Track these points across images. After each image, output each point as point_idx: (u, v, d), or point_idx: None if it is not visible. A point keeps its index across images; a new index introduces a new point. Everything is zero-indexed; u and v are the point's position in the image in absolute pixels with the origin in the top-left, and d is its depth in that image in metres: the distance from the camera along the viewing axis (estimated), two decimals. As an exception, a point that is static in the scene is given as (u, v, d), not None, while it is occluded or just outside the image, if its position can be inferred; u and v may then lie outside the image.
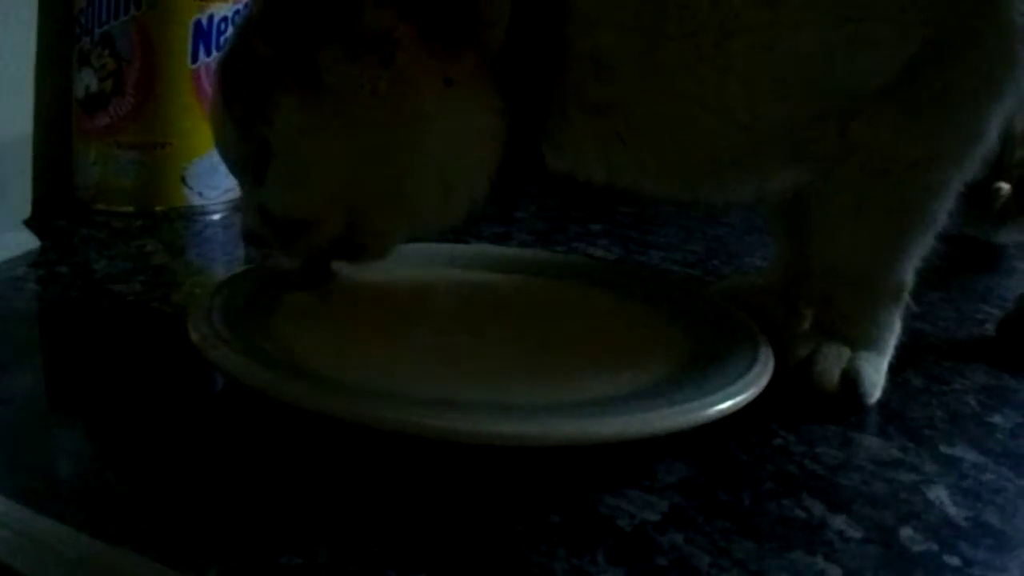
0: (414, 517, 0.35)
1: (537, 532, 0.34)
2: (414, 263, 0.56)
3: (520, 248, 0.70)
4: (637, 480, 0.38)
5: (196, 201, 0.74)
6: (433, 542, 0.33)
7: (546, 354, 0.47)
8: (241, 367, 0.40)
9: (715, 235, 0.78)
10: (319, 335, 0.47)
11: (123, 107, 0.72)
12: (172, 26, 0.71)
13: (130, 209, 0.73)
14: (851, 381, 0.46)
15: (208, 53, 0.73)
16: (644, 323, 0.52)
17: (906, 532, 0.36)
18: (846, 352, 0.47)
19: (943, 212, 0.46)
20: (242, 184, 0.49)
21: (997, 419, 0.46)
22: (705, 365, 0.44)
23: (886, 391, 0.47)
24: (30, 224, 0.64)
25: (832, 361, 0.46)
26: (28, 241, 0.63)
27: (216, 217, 0.75)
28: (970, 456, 0.42)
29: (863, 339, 0.47)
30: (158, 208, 0.73)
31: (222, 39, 0.73)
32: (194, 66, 0.72)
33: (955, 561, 0.34)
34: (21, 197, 0.63)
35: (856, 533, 0.35)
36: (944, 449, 0.43)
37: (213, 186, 0.75)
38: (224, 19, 0.73)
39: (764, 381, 0.42)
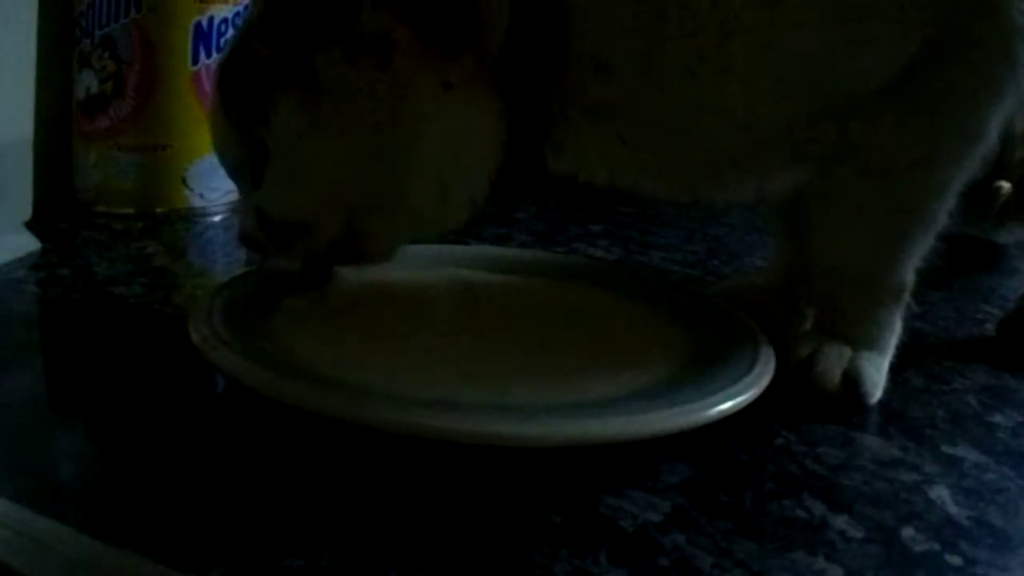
0: (415, 518, 0.35)
1: (539, 533, 0.34)
2: (414, 264, 0.56)
3: (520, 249, 0.70)
4: (639, 481, 0.38)
5: (197, 203, 0.74)
6: (435, 543, 0.33)
7: (547, 355, 0.47)
8: (242, 368, 0.40)
9: (715, 235, 0.79)
10: (320, 336, 0.47)
11: (123, 109, 0.72)
12: (172, 28, 0.71)
13: (131, 211, 0.73)
14: (852, 381, 0.46)
15: (208, 55, 0.73)
16: (645, 323, 0.52)
17: (908, 532, 0.36)
18: (847, 352, 0.47)
19: (943, 212, 0.46)
20: (240, 187, 0.49)
21: (998, 419, 0.46)
22: (706, 365, 0.44)
23: (887, 391, 0.47)
24: (31, 226, 0.64)
25: (833, 361, 0.46)
26: (29, 243, 0.63)
27: (217, 219, 0.75)
28: (971, 456, 0.42)
29: (864, 339, 0.47)
30: (159, 210, 0.73)
31: (222, 41, 0.73)
32: (194, 68, 0.72)
33: (957, 561, 0.34)
34: (22, 199, 0.63)
35: (857, 533, 0.35)
36: (945, 449, 0.43)
37: (214, 188, 0.75)
38: (224, 21, 0.73)
39: (765, 381, 0.42)
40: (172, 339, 0.47)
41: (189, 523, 0.33)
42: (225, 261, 0.69)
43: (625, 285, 0.57)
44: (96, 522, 0.33)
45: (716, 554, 0.33)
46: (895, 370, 0.48)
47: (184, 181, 0.74)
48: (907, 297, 0.48)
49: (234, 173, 0.49)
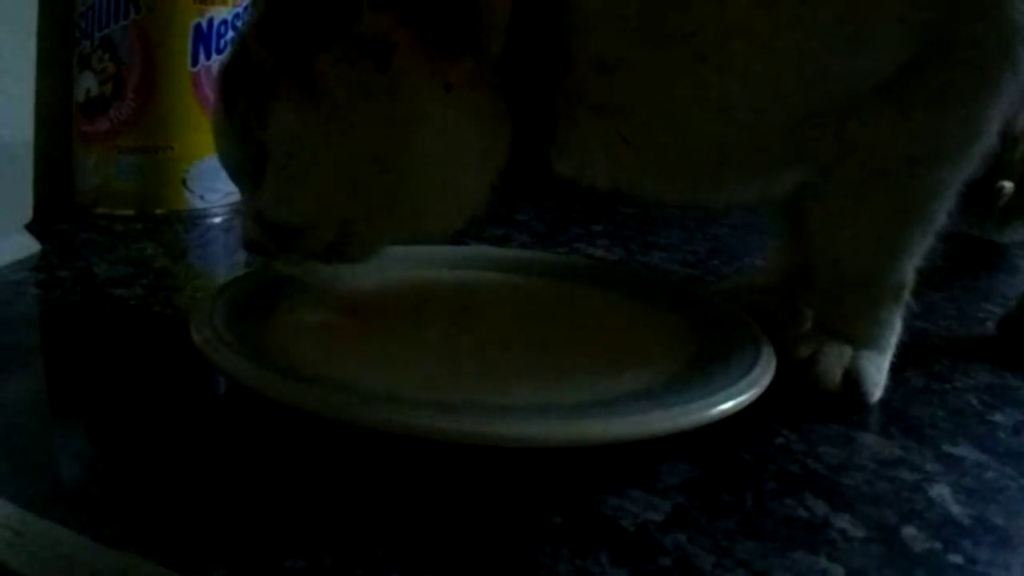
0: (417, 519, 0.35)
1: (540, 533, 0.34)
2: (414, 264, 0.56)
3: (520, 249, 0.70)
4: (640, 481, 0.38)
5: (197, 204, 0.75)
6: (436, 544, 0.33)
7: (547, 355, 0.47)
8: (243, 370, 0.40)
9: (716, 235, 0.79)
10: (321, 337, 0.47)
11: (123, 111, 0.72)
12: (172, 30, 0.71)
13: (131, 213, 0.73)
14: (853, 380, 0.46)
15: (208, 56, 0.73)
16: (645, 323, 0.52)
17: (909, 531, 0.36)
18: (848, 351, 0.47)
19: (943, 211, 0.46)
20: (242, 191, 0.49)
21: (999, 418, 0.46)
22: (707, 365, 0.44)
23: (888, 390, 0.47)
24: (31, 228, 0.64)
25: (834, 360, 0.46)
26: (29, 245, 0.63)
27: (217, 220, 0.75)
28: (972, 455, 0.42)
29: (865, 338, 0.47)
30: (159, 211, 0.74)
31: (222, 42, 0.73)
32: (194, 69, 0.73)
33: (958, 559, 0.34)
34: (22, 201, 0.63)
35: (859, 532, 0.35)
36: (946, 448, 0.43)
37: (214, 189, 0.75)
38: (224, 22, 0.73)
39: (766, 381, 0.42)
40: (173, 341, 0.47)
41: (191, 524, 0.33)
42: (226, 263, 0.69)
43: (625, 285, 0.57)
44: (98, 523, 0.33)
45: (717, 554, 0.33)
46: (896, 369, 0.48)
47: (184, 183, 0.74)
48: (907, 296, 0.48)
49: (236, 177, 0.49)
